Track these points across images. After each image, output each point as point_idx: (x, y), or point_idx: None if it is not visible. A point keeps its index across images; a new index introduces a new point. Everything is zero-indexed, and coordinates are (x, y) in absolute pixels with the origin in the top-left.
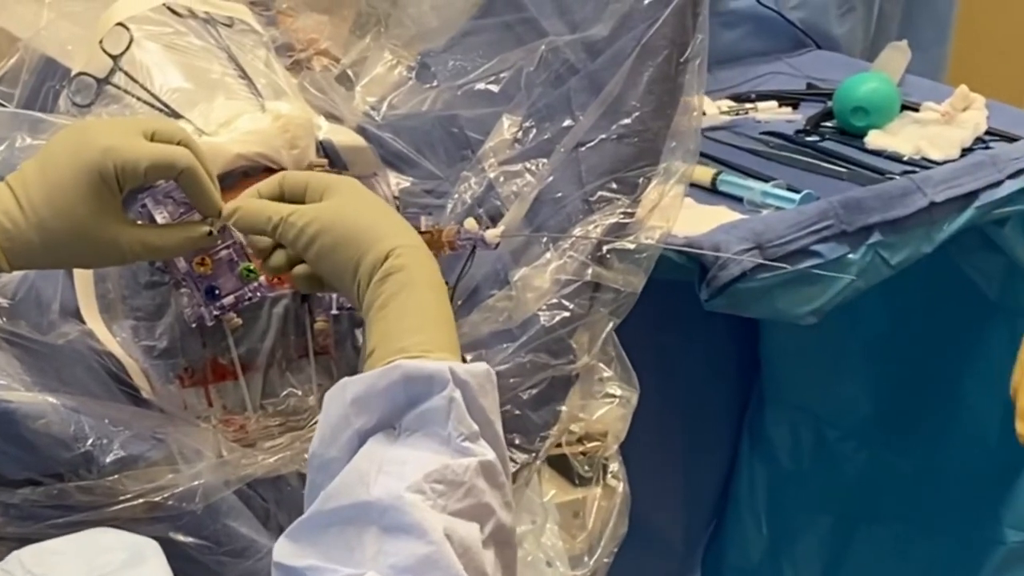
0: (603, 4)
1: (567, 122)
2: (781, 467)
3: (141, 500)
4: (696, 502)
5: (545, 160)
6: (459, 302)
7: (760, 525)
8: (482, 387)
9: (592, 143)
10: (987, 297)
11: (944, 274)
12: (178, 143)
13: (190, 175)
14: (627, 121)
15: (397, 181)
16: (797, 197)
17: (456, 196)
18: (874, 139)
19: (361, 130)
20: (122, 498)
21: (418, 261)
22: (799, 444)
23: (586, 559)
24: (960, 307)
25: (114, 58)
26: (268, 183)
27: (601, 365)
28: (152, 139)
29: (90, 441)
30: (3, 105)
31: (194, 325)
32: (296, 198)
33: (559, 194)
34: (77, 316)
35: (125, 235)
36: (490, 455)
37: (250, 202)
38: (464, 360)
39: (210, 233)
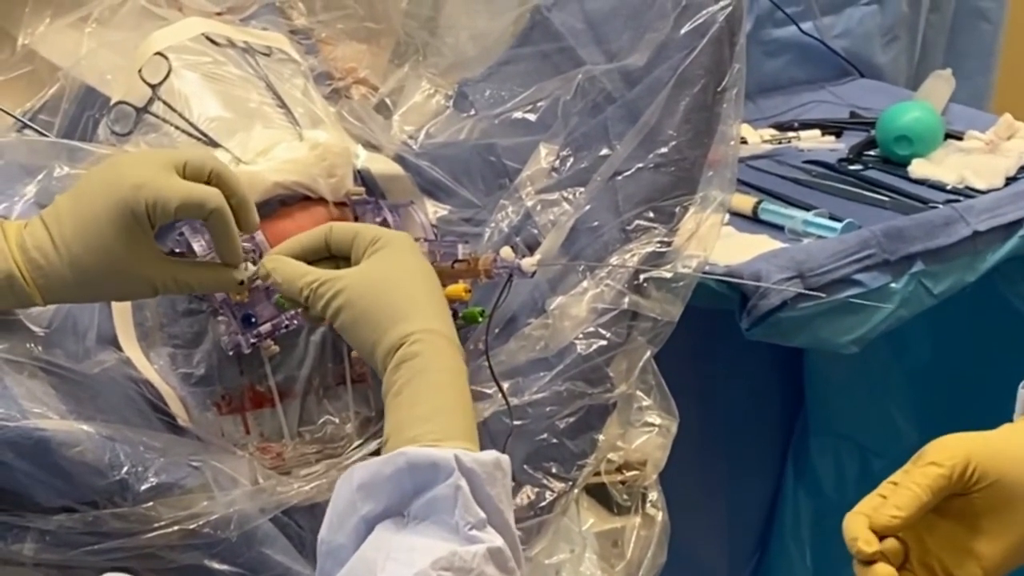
0: (640, 33)
1: (604, 151)
2: (826, 497)
3: (176, 527)
4: (740, 532)
5: (582, 189)
6: (496, 331)
7: (805, 556)
8: (490, 475)
9: (629, 172)
10: None
11: (989, 303)
12: (208, 174)
13: (218, 217)
14: (664, 150)
15: (435, 210)
16: (839, 226)
17: (493, 224)
18: (917, 168)
19: (399, 159)
20: (157, 525)
21: (435, 347)
22: (844, 474)
23: None
24: (1005, 336)
25: (153, 87)
26: (314, 235)
27: (640, 394)
28: (184, 172)
29: (125, 469)
30: (43, 134)
31: (231, 353)
32: (342, 251)
33: (596, 223)
34: (114, 343)
35: (157, 271)
36: (498, 541)
37: (285, 265)
38: (502, 392)
39: (241, 283)
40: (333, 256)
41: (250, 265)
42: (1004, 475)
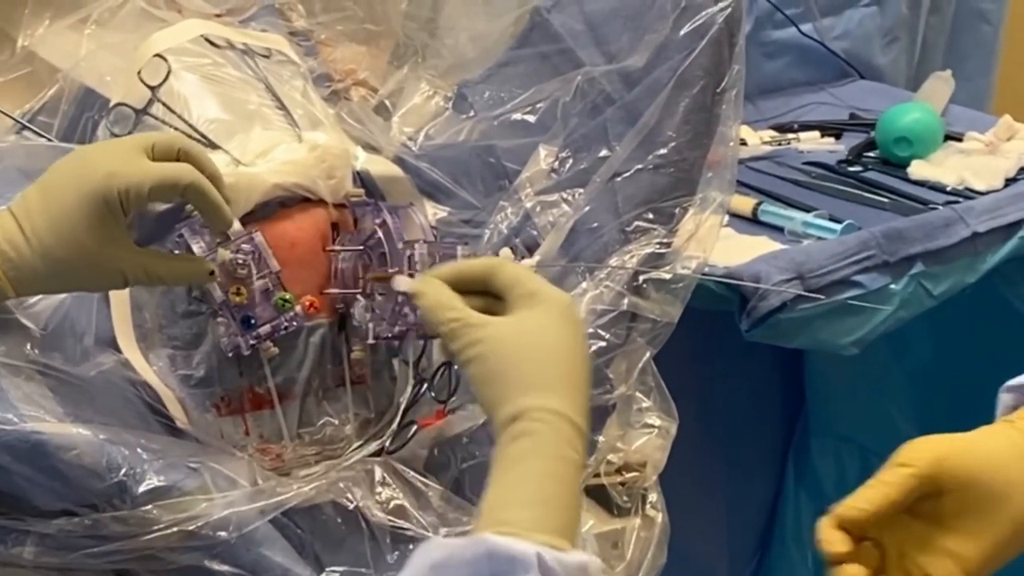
0: (639, 35)
1: (603, 152)
2: (827, 498)
3: (175, 529)
4: (740, 533)
5: (581, 190)
6: None
7: (806, 558)
8: None
9: (628, 173)
10: None
11: (988, 304)
12: (177, 152)
13: (195, 190)
14: (663, 151)
15: (434, 211)
16: (839, 227)
17: (493, 226)
18: (917, 169)
19: (398, 160)
20: (156, 528)
21: (555, 430)
22: (845, 475)
23: None
24: (1005, 336)
25: (152, 89)
26: (476, 267)
27: (640, 395)
28: (153, 153)
29: (123, 471)
30: (42, 135)
31: (231, 354)
32: (500, 292)
33: (595, 224)
34: (112, 345)
35: (128, 261)
36: None
37: (437, 292)
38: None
39: (212, 272)
40: (488, 292)
41: (227, 252)
42: (976, 475)
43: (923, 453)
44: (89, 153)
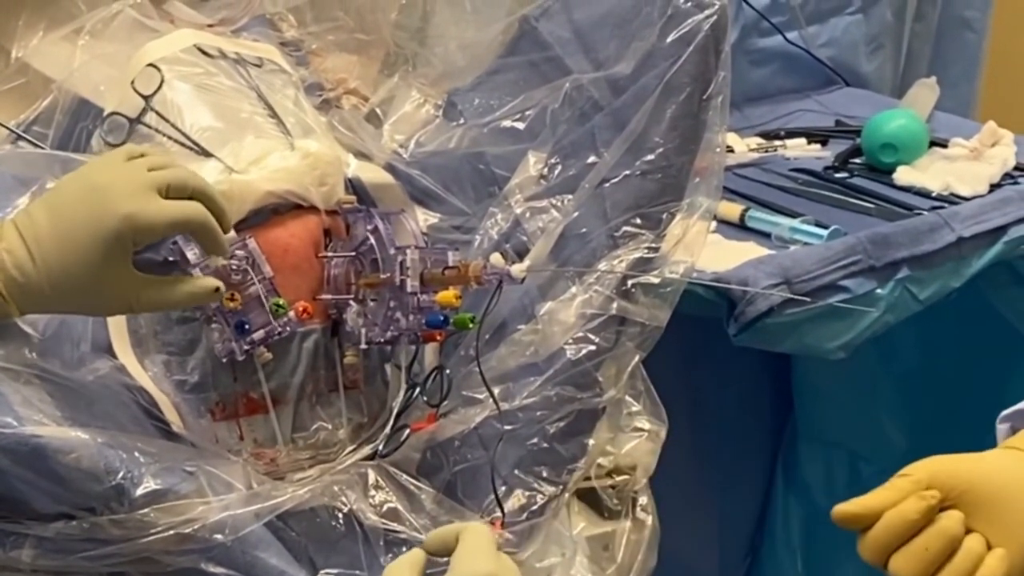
0: (626, 42)
1: (591, 159)
2: (816, 503)
3: (172, 532)
4: (730, 537)
5: (570, 196)
6: (486, 336)
7: (796, 562)
8: None
9: (616, 179)
10: (1018, 331)
11: (975, 309)
12: (191, 193)
13: (203, 229)
14: (651, 157)
15: (425, 217)
16: (825, 233)
17: (483, 232)
18: (902, 175)
19: (390, 167)
20: (153, 531)
21: None
22: (834, 480)
23: None
24: (991, 341)
25: (146, 98)
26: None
27: (629, 399)
28: (167, 192)
29: (121, 474)
30: (37, 145)
31: (225, 360)
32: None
33: (584, 229)
34: (109, 351)
35: (135, 290)
36: None
37: None
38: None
39: (216, 290)
40: None
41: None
42: (974, 485)
43: (922, 464)
44: (102, 185)
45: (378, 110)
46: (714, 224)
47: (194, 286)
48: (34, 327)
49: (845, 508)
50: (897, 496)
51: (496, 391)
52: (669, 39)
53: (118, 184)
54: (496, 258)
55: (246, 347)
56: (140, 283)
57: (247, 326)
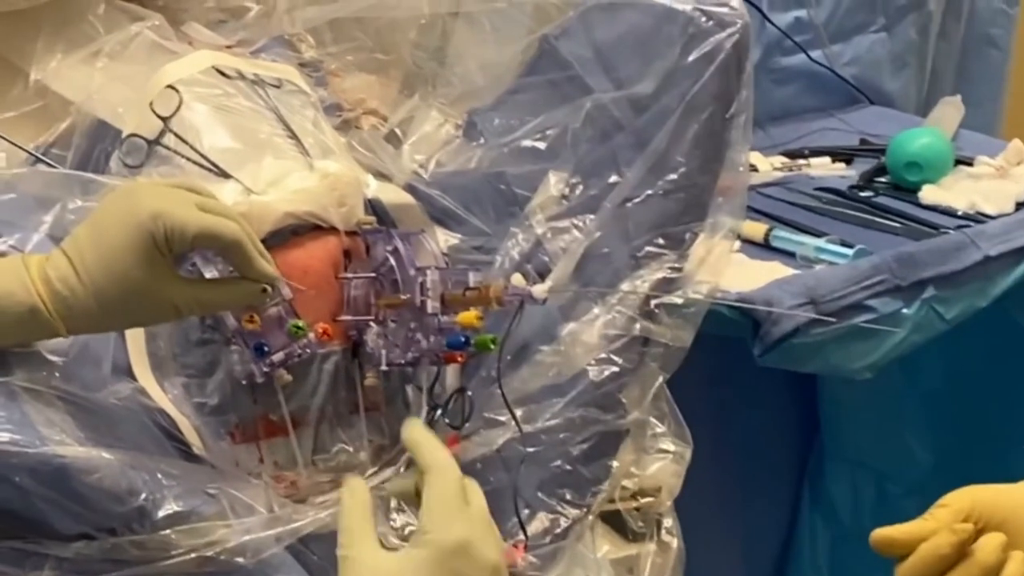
0: (648, 61)
1: (613, 178)
2: (843, 524)
3: (193, 555)
4: (756, 559)
5: (592, 216)
6: (508, 358)
7: None
8: None
9: (639, 199)
10: None
11: (1000, 328)
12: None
13: (236, 249)
14: (673, 177)
15: (445, 238)
16: (850, 252)
17: (504, 252)
18: (928, 194)
19: (410, 188)
20: (174, 552)
21: None
22: (860, 501)
23: None
24: (1018, 361)
25: (164, 120)
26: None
27: (654, 420)
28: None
29: (143, 496)
30: (56, 168)
31: (244, 382)
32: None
33: (606, 249)
34: (129, 374)
35: (179, 294)
36: None
37: (350, 512)
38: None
39: (264, 290)
40: None
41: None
42: (1015, 515)
43: (958, 495)
44: (137, 191)
45: (398, 130)
46: (738, 244)
47: (239, 287)
48: (56, 350)
49: (884, 533)
50: (936, 527)
51: (519, 413)
52: (691, 58)
53: (153, 188)
54: (517, 279)
55: (265, 369)
56: (184, 284)
57: (266, 348)
